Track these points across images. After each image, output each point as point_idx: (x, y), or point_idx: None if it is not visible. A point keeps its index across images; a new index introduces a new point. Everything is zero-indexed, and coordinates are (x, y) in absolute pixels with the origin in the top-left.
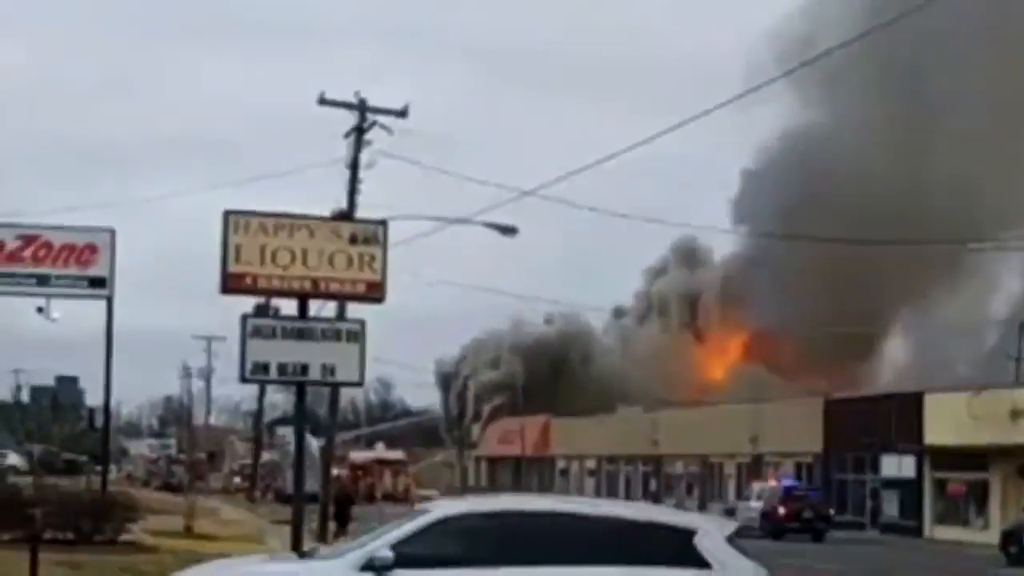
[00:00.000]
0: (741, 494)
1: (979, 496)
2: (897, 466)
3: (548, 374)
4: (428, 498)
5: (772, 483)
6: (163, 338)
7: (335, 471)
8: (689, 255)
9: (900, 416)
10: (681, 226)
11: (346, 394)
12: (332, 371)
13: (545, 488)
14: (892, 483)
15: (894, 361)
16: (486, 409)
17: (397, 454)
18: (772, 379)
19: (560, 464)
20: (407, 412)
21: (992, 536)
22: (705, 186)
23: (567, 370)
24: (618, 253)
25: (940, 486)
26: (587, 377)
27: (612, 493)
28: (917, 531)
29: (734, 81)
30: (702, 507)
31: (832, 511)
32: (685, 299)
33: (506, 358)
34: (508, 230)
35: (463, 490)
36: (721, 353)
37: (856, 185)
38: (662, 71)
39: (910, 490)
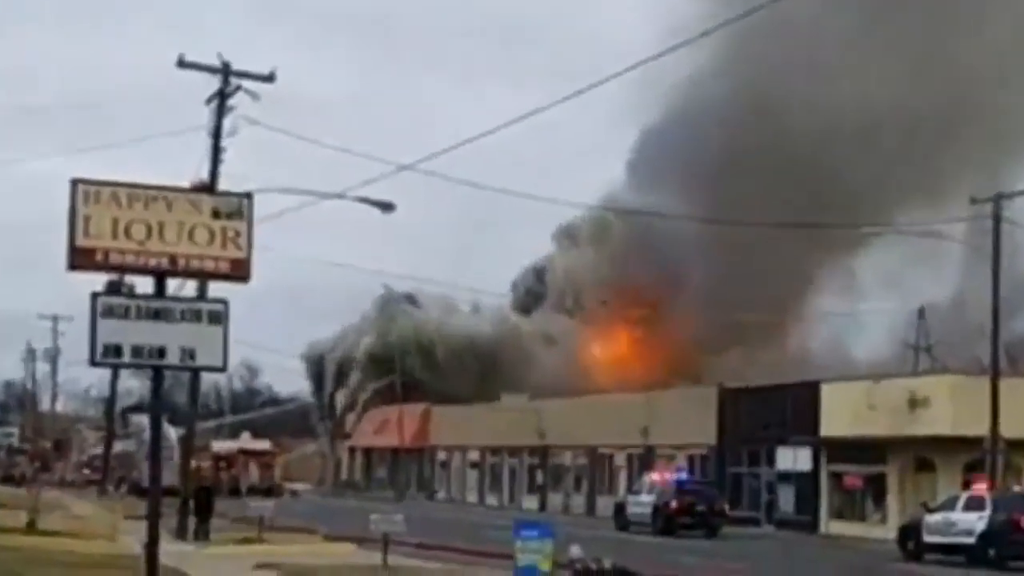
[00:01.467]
0: (632, 487)
1: (876, 489)
2: (792, 459)
3: (428, 360)
4: (296, 492)
5: (664, 476)
6: (3, 317)
7: (195, 463)
8: (575, 234)
9: (796, 407)
10: (570, 205)
11: (208, 380)
12: (192, 355)
13: (424, 482)
14: (788, 476)
15: (797, 350)
16: (361, 397)
17: (264, 444)
18: (665, 367)
19: (441, 456)
20: (275, 400)
21: (890, 531)
22: (600, 161)
23: (449, 356)
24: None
25: (836, 479)
26: (470, 364)
27: (496, 487)
28: (813, 526)
29: (635, 53)
30: (591, 501)
31: (726, 506)
32: (573, 281)
33: (383, 342)
34: (385, 206)
35: (336, 483)
36: (611, 339)
37: (757, 160)
38: (559, 44)
39: (806, 484)
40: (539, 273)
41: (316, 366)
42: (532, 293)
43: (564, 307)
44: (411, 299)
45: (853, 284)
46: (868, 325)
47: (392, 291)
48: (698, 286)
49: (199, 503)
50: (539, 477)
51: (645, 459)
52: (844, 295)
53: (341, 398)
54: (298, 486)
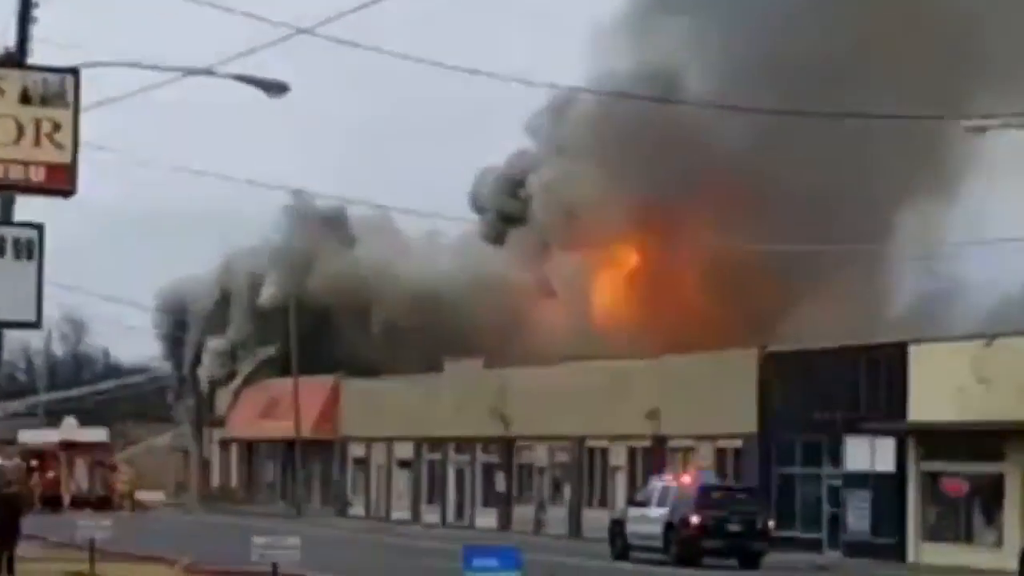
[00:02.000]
0: (635, 496)
1: (989, 498)
2: (868, 455)
3: (338, 310)
4: (144, 504)
5: (682, 479)
6: None
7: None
8: (552, 129)
9: (873, 379)
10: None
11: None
12: None
13: (333, 489)
14: (861, 480)
15: (876, 296)
16: (240, 366)
17: (97, 434)
18: (679, 321)
19: (355, 451)
20: (114, 371)
21: (1007, 558)
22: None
23: (368, 306)
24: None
25: (932, 484)
26: (398, 316)
27: (437, 496)
28: (898, 552)
29: None
30: (575, 516)
31: (771, 522)
32: (549, 196)
33: (271, 285)
34: (275, 87)
35: (204, 491)
36: (603, 282)
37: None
38: None
39: (887, 490)
40: (513, 185)
41: (174, 321)
42: (504, 216)
43: (541, 232)
44: (332, 221)
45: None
46: (984, 261)
47: (305, 200)
48: (734, 204)
49: (1, 521)
50: (500, 482)
51: (654, 455)
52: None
53: (208, 367)
54: (149, 495)
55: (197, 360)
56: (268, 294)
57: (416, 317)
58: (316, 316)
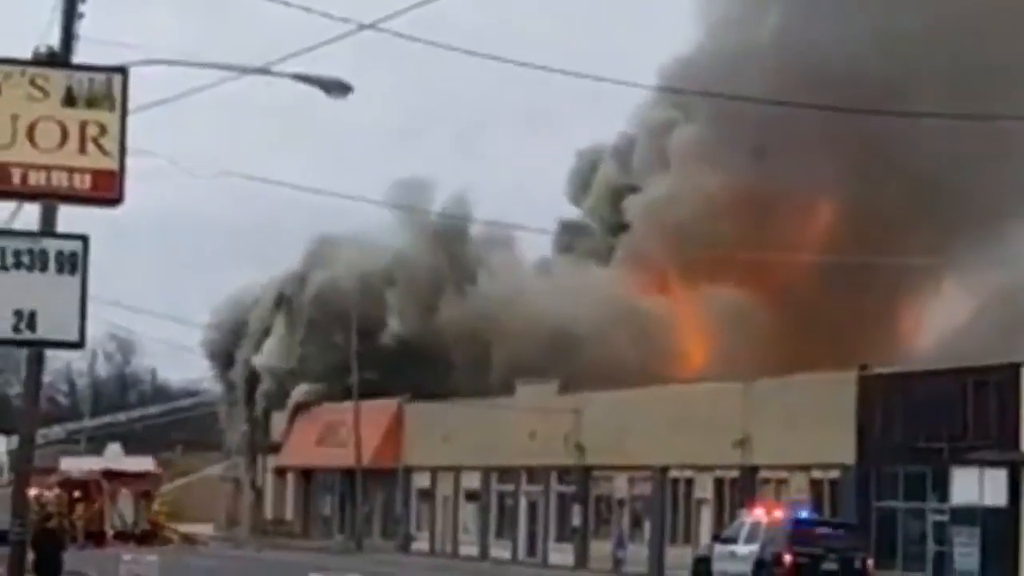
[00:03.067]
0: (722, 532)
1: None
2: (978, 487)
3: (410, 328)
4: (193, 538)
5: (773, 513)
6: None
7: (35, 491)
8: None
9: (982, 404)
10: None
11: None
12: (31, 321)
13: (395, 522)
14: (970, 515)
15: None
16: (296, 390)
17: (143, 463)
18: (769, 343)
19: (419, 481)
20: (163, 395)
21: None
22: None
23: (439, 322)
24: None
25: None
26: (526, 357)
27: (507, 530)
28: None
29: None
30: (657, 552)
31: (871, 561)
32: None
33: (334, 304)
34: (337, 87)
35: (257, 525)
36: (688, 301)
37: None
38: None
39: (1000, 526)
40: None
41: (228, 341)
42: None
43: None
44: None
45: None
46: None
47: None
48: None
49: (41, 555)
50: (576, 515)
51: (743, 487)
52: None
53: (266, 391)
54: (198, 529)
55: (252, 382)
56: (393, 331)
57: (547, 356)
58: (432, 355)
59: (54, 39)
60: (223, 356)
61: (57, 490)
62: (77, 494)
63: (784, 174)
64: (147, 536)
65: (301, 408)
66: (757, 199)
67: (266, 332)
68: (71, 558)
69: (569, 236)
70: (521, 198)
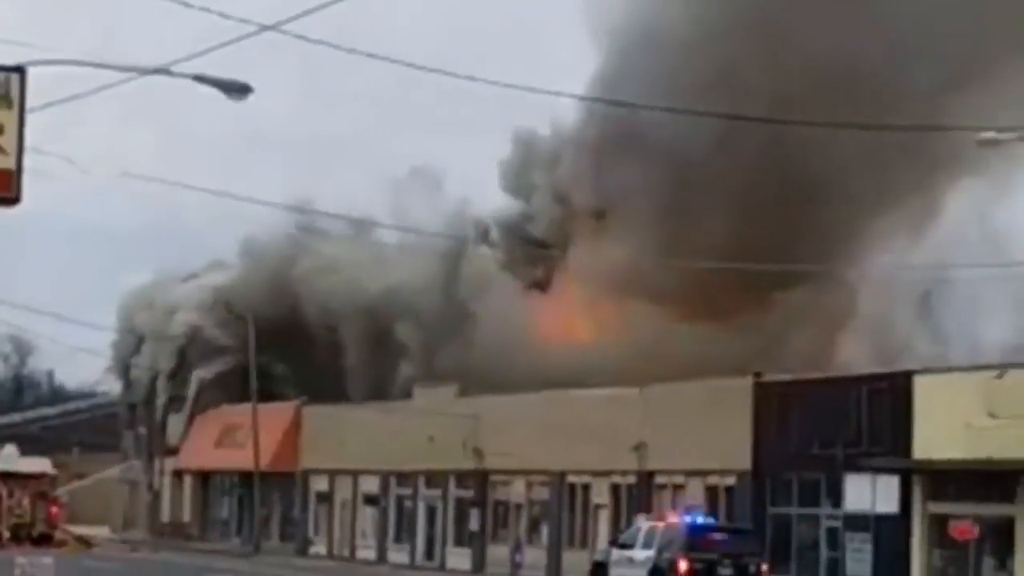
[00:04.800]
0: (619, 537)
1: (1000, 542)
2: (870, 494)
3: (300, 331)
4: (89, 540)
5: (669, 518)
6: None
7: None
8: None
9: (875, 412)
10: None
11: None
12: None
13: (293, 526)
14: (862, 521)
15: (874, 321)
16: (192, 388)
17: (39, 464)
18: (665, 344)
19: (317, 485)
20: (60, 397)
21: None
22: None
23: (331, 325)
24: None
25: (939, 527)
26: (366, 338)
27: (406, 535)
28: None
29: None
30: (554, 557)
31: (765, 566)
32: (521, 211)
33: (227, 301)
34: (235, 88)
35: (154, 527)
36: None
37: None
38: None
39: (891, 533)
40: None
41: (127, 342)
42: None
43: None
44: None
45: (945, 222)
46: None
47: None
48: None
49: None
50: (474, 519)
51: (640, 492)
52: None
53: (163, 391)
54: (94, 531)
55: (151, 385)
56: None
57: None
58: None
59: None
60: (122, 360)
61: None
62: None
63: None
64: (42, 538)
65: (199, 410)
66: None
67: (157, 338)
68: None
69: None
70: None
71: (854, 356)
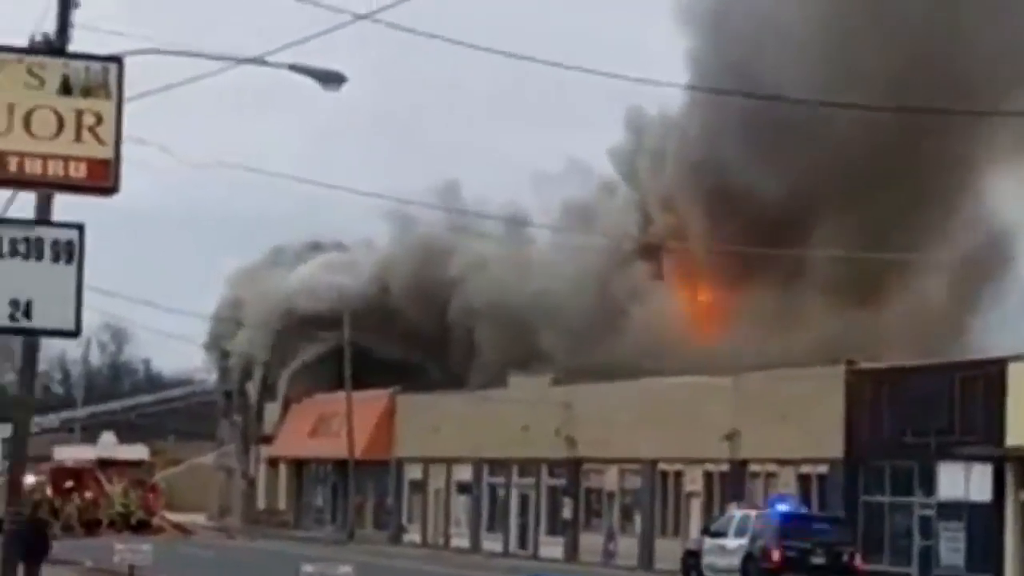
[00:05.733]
0: (711, 526)
1: None
2: (963, 482)
3: (404, 318)
4: (186, 529)
5: (761, 508)
6: None
7: (31, 479)
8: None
9: (968, 400)
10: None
11: (49, 350)
12: (26, 310)
13: (387, 514)
14: (955, 509)
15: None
16: (284, 378)
17: (137, 452)
18: (759, 335)
19: (411, 473)
20: (156, 384)
21: None
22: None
23: (436, 313)
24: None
25: None
26: (466, 326)
27: (499, 523)
28: None
29: None
30: (647, 545)
31: (858, 555)
32: (631, 199)
33: (327, 292)
34: (330, 78)
35: (249, 515)
36: (687, 290)
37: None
38: None
39: (983, 521)
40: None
41: (223, 332)
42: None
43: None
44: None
45: None
46: None
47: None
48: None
49: (30, 542)
50: (567, 508)
51: (732, 481)
52: None
53: (259, 378)
54: (190, 518)
55: (247, 372)
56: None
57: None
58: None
59: (50, 27)
60: (218, 347)
61: (48, 479)
62: (71, 483)
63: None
64: (141, 525)
65: (293, 399)
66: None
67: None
68: (66, 547)
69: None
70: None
71: (947, 343)
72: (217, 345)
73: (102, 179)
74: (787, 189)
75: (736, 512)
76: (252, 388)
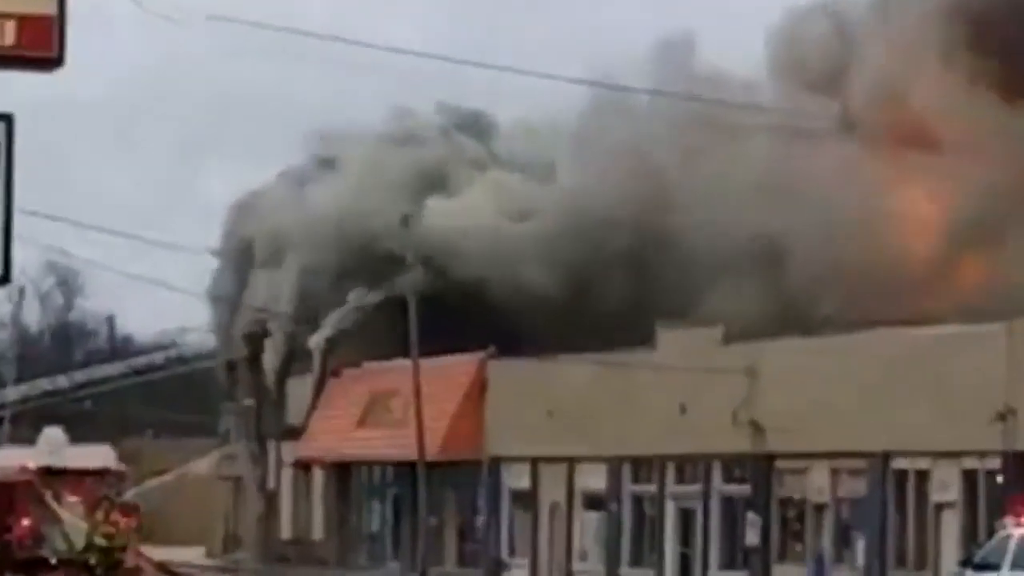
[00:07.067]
0: (977, 551)
1: None
2: None
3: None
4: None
5: None
6: None
7: None
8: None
9: None
10: None
11: None
12: None
13: (477, 542)
14: None
15: None
16: (318, 341)
17: (99, 455)
18: None
19: (513, 480)
20: (125, 350)
21: None
22: None
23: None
24: None
25: None
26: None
27: (648, 551)
28: None
29: None
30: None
31: None
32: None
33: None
34: None
35: (268, 543)
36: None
37: None
38: None
39: None
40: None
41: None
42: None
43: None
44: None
45: None
46: None
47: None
48: None
49: None
50: (752, 529)
51: (1007, 484)
52: None
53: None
54: (182, 555)
55: (261, 332)
56: None
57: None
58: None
59: None
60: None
61: None
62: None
63: None
64: (109, 568)
65: (332, 371)
66: None
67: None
68: None
69: None
70: None
71: None
72: (223, 300)
73: (41, 46)
74: None
75: (1014, 531)
76: (270, 356)
